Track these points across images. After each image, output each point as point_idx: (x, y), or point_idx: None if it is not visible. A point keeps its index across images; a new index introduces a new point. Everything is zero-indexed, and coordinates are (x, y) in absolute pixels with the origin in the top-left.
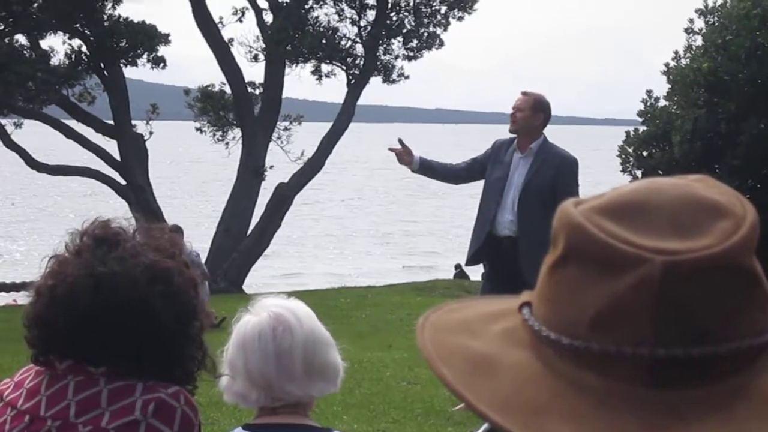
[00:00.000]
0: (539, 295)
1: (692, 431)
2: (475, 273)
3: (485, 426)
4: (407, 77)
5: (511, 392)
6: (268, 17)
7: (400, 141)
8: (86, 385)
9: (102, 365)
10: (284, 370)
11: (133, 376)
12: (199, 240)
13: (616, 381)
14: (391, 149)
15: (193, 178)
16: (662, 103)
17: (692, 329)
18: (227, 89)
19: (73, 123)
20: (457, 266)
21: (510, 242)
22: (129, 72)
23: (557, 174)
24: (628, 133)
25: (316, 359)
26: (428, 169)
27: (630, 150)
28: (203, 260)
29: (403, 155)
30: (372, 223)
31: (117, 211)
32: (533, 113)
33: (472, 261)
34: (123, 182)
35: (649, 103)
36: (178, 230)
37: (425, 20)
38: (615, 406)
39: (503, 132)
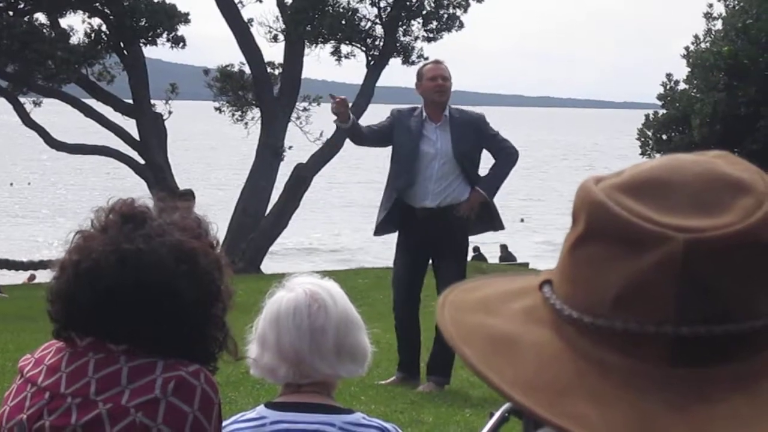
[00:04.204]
0: (560, 273)
1: (716, 410)
2: (493, 255)
3: (505, 407)
4: (426, 59)
5: (533, 372)
6: None
7: (332, 96)
8: (107, 362)
9: (123, 343)
10: (316, 347)
11: (154, 354)
12: (217, 220)
13: (639, 360)
14: (333, 96)
15: (211, 157)
16: (682, 86)
17: (715, 307)
18: (246, 69)
19: (92, 102)
20: (475, 248)
21: (432, 213)
22: (148, 51)
23: (479, 132)
24: (647, 116)
25: (348, 340)
26: (355, 129)
27: (649, 133)
28: (221, 239)
29: (343, 106)
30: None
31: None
32: (451, 81)
33: (378, 231)
34: (142, 161)
35: (668, 87)
36: (189, 195)
37: (445, 1)
38: (638, 386)
39: (524, 114)
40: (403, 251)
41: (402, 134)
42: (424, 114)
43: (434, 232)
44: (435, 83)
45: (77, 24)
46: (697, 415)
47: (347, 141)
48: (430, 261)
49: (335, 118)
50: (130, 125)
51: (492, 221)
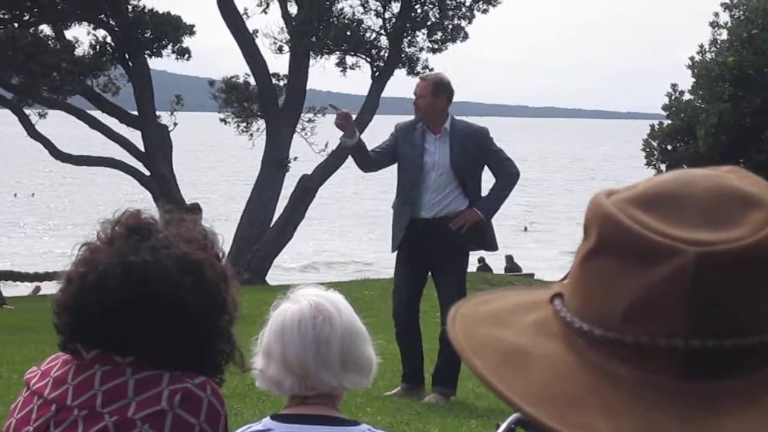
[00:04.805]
0: (571, 286)
1: (726, 423)
2: (499, 266)
3: (511, 418)
4: (432, 70)
5: (544, 384)
6: (293, 9)
7: (333, 106)
8: (113, 374)
9: (129, 355)
10: (321, 358)
11: (160, 367)
12: (222, 231)
13: (650, 373)
14: (334, 106)
15: (216, 169)
16: (687, 96)
17: (725, 321)
18: (252, 80)
19: (97, 114)
20: (480, 259)
21: (426, 223)
22: (153, 63)
23: (480, 145)
24: (652, 126)
25: (353, 351)
26: (361, 150)
27: (654, 143)
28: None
29: (346, 119)
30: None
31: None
32: (435, 97)
33: (395, 246)
34: (147, 173)
35: (674, 97)
36: (196, 208)
37: (450, 12)
38: (649, 399)
39: (529, 124)
40: (402, 261)
41: (405, 148)
42: (424, 126)
43: (430, 242)
44: (413, 103)
45: (82, 36)
46: (705, 428)
47: None
48: (431, 272)
49: (341, 134)
50: (135, 137)
51: (486, 241)
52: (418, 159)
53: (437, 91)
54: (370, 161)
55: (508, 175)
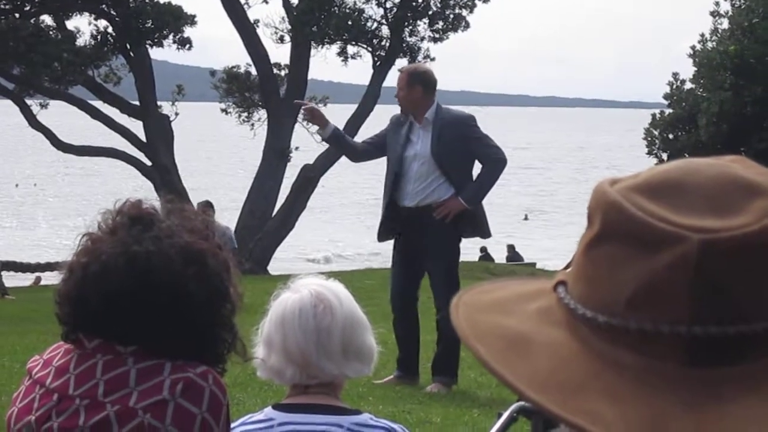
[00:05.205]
0: (575, 273)
1: (729, 409)
2: (500, 256)
3: (513, 407)
4: (433, 59)
5: (548, 371)
6: None
7: (298, 103)
8: (115, 364)
9: (131, 345)
10: (322, 347)
11: (162, 356)
12: (225, 221)
13: (654, 359)
14: (299, 102)
15: (217, 159)
16: (688, 85)
17: (728, 308)
18: (253, 70)
19: (98, 104)
20: (482, 249)
21: (410, 212)
22: (154, 53)
23: (462, 133)
24: (654, 115)
25: (354, 340)
26: (340, 138)
27: (656, 132)
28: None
29: (316, 113)
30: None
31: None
32: (409, 88)
33: (380, 237)
34: (148, 163)
35: (675, 86)
36: (208, 206)
37: (451, 2)
38: (653, 385)
39: (530, 114)
40: (396, 250)
41: (391, 139)
42: (411, 117)
43: (413, 231)
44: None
45: (83, 26)
46: (709, 414)
47: None
48: (423, 260)
49: (316, 128)
50: (136, 127)
51: (479, 227)
52: (400, 150)
53: (411, 81)
54: (355, 151)
55: (494, 162)
